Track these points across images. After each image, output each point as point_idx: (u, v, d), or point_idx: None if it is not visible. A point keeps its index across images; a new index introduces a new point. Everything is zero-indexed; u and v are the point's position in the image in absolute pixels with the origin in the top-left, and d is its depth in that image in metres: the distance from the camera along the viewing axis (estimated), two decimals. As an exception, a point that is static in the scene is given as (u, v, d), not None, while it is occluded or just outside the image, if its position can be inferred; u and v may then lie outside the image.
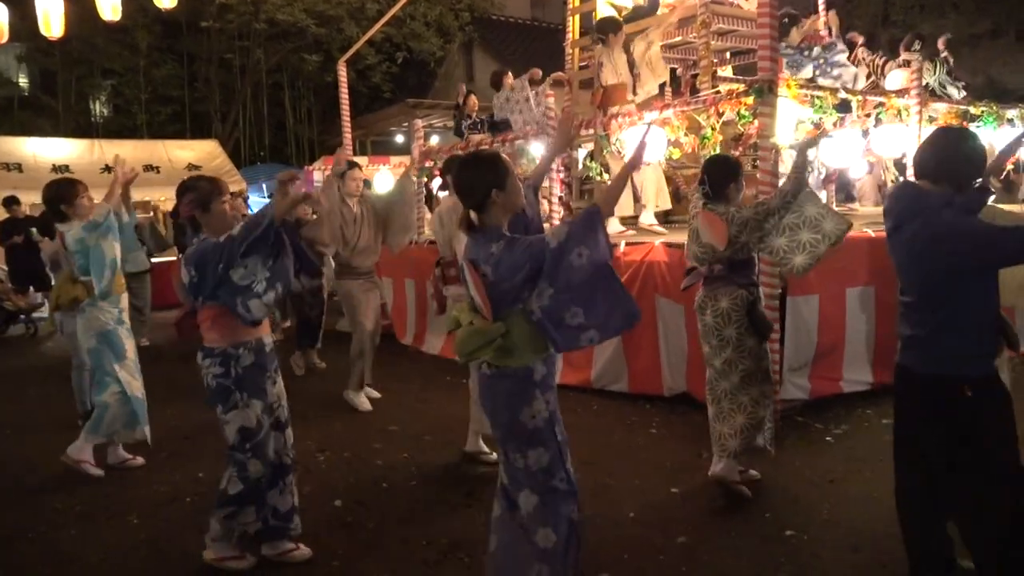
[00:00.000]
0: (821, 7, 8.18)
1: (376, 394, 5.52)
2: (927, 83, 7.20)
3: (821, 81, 6.19)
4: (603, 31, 6.39)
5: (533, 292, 2.38)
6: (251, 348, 3.01)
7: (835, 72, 6.13)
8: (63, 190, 4.25)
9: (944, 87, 7.40)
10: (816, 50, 6.21)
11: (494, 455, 4.11)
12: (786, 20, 6.33)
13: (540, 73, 7.60)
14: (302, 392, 5.67)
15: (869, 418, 4.67)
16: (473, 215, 2.51)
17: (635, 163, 2.59)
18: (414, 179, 5.97)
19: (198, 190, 3.03)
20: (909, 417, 2.57)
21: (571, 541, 2.52)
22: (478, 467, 4.15)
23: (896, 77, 6.87)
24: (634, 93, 6.19)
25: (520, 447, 2.49)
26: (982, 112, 6.14)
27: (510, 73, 7.83)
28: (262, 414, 3.03)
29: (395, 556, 3.21)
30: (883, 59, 7.47)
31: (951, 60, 7.55)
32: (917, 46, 7.42)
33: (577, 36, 8.69)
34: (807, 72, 6.02)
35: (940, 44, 7.66)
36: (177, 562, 3.22)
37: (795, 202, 3.39)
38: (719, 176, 3.59)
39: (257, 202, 15.19)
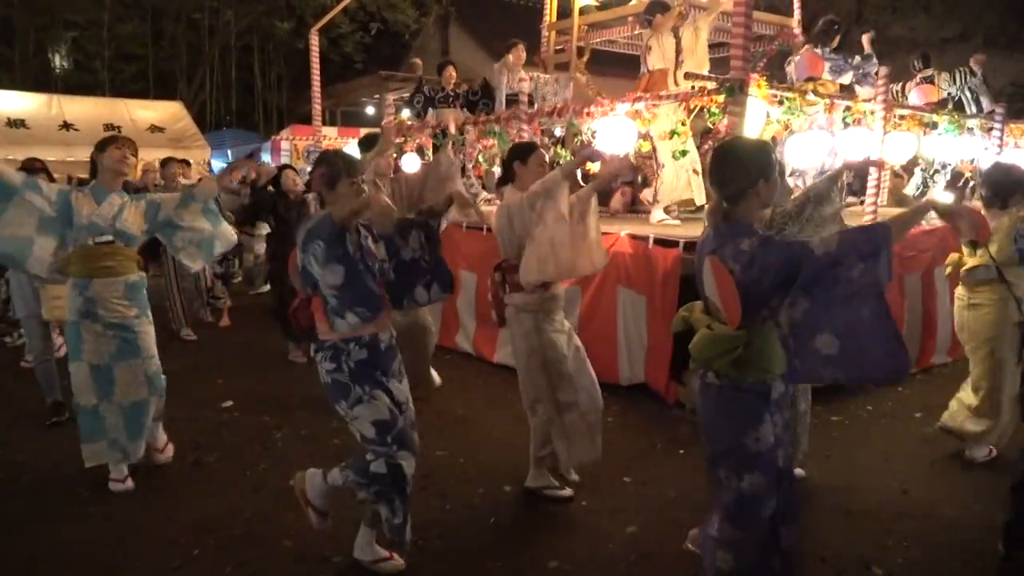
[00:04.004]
0: (796, 8, 8.27)
1: (438, 381, 5.14)
2: (949, 93, 7.44)
3: (858, 89, 6.50)
4: (651, 13, 6.13)
5: (784, 302, 2.13)
6: (364, 344, 2.73)
7: (869, 81, 6.42)
8: (104, 138, 3.70)
9: (976, 96, 7.60)
10: (857, 59, 6.50)
11: (567, 491, 3.62)
12: (835, 27, 6.58)
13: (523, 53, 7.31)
14: (289, 377, 5.67)
15: (819, 414, 4.79)
16: (725, 204, 2.29)
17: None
18: (450, 157, 5.07)
19: (329, 166, 2.72)
20: None
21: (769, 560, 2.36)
22: (435, 451, 4.18)
23: (917, 95, 7.20)
24: (675, 81, 6.01)
25: (736, 468, 2.31)
26: (944, 120, 6.27)
27: (520, 47, 7.23)
28: (393, 405, 2.78)
29: (349, 537, 3.22)
30: (901, 83, 7.75)
31: (977, 72, 7.75)
32: (919, 64, 7.73)
33: (555, 18, 8.65)
34: (846, 79, 6.33)
35: (972, 63, 7.84)
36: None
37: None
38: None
39: (221, 168, 14.89)
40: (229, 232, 4.06)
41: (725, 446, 2.33)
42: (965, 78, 7.59)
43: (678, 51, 6.12)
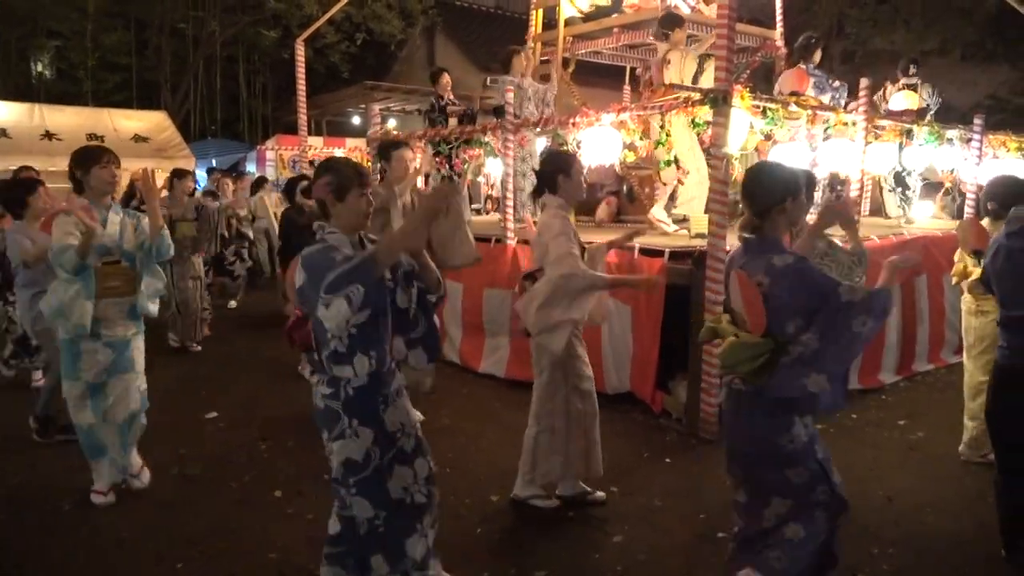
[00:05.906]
0: (778, 19, 8.37)
1: (420, 416, 4.70)
2: (928, 104, 7.57)
3: None
4: (667, 26, 6.10)
5: (801, 336, 2.29)
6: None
7: (839, 105, 6.51)
8: (84, 153, 3.60)
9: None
10: (837, 83, 6.64)
11: (553, 502, 3.62)
12: (813, 40, 6.66)
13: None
14: (274, 388, 5.65)
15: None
16: (756, 220, 2.43)
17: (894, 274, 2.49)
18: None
19: (338, 173, 2.43)
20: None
21: (819, 547, 2.44)
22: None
23: (898, 100, 7.28)
24: None
25: (776, 467, 2.43)
26: (924, 131, 6.35)
27: (521, 53, 7.12)
28: (373, 446, 2.47)
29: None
30: (885, 85, 7.87)
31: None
32: (913, 69, 7.85)
33: (540, 30, 8.69)
34: (826, 98, 6.36)
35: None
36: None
37: None
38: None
39: (206, 178, 14.82)
40: (155, 286, 3.75)
41: (760, 450, 2.44)
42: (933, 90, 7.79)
43: (698, 74, 6.15)
